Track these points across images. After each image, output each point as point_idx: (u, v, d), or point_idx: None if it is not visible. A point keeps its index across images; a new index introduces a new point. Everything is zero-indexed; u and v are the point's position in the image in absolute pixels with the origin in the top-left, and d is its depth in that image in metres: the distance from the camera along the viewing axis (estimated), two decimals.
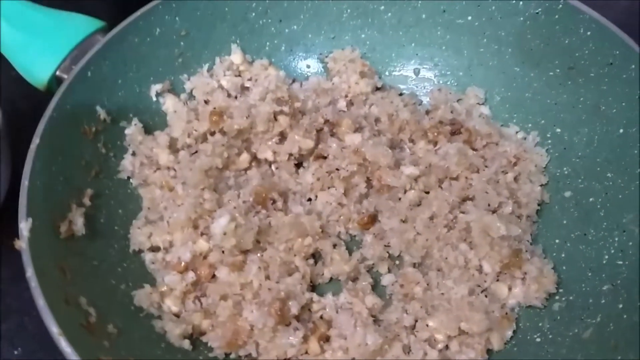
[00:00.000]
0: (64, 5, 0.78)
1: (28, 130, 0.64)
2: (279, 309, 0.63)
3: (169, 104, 0.79)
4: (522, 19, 0.77)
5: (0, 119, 0.68)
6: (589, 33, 0.72)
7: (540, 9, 0.75)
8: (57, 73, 0.73)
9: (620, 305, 0.62)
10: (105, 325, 0.59)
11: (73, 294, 0.58)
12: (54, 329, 0.50)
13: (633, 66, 0.68)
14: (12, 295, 0.73)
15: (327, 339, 0.65)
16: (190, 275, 0.67)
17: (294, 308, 0.64)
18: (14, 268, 0.74)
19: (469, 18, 0.81)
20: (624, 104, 0.70)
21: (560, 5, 0.73)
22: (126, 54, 0.74)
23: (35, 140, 0.62)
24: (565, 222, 0.73)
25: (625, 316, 0.60)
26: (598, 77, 0.72)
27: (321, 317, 0.67)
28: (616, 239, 0.67)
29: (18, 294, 0.73)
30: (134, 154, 0.74)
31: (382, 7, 0.84)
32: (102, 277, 0.64)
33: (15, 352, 0.70)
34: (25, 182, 0.59)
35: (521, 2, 0.76)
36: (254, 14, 0.83)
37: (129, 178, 0.74)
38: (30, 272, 0.53)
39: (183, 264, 0.67)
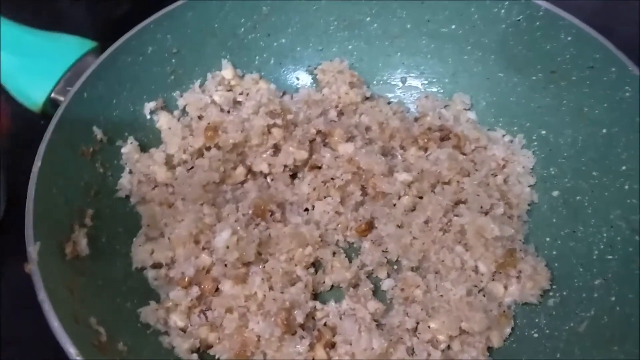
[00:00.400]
0: (53, 27, 0.79)
1: (21, 151, 0.65)
2: (285, 319, 0.65)
3: (163, 121, 0.80)
4: (504, 26, 0.80)
5: None
6: (569, 38, 0.75)
7: (521, 17, 0.78)
8: (52, 95, 0.73)
9: (613, 298, 0.64)
10: (115, 344, 0.60)
11: (82, 314, 0.58)
12: (72, 350, 0.51)
13: (613, 69, 0.71)
14: (15, 314, 0.73)
15: (332, 346, 0.67)
16: (195, 290, 0.68)
17: (299, 317, 0.66)
18: (13, 291, 0.75)
19: (453, 27, 0.83)
20: (605, 105, 0.72)
21: (541, 13, 0.76)
22: (120, 74, 0.75)
23: (37, 164, 0.63)
24: (554, 220, 0.75)
25: (618, 308, 0.63)
26: (580, 80, 0.75)
27: (325, 325, 0.69)
28: (605, 234, 0.69)
29: (19, 322, 0.73)
30: (131, 172, 0.75)
31: (368, 19, 0.86)
32: (108, 296, 0.65)
33: None
34: (30, 206, 0.60)
35: (503, 10, 0.79)
36: (242, 29, 0.84)
37: (127, 196, 0.74)
38: (42, 295, 0.54)
39: (187, 279, 0.68)
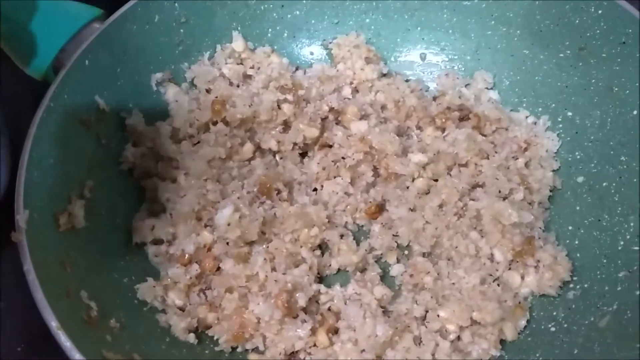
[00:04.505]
0: None
1: (28, 124, 0.62)
2: (285, 301, 0.62)
3: (170, 93, 0.77)
4: None
5: None
6: (600, 11, 0.70)
7: None
8: (55, 63, 0.71)
9: (638, 292, 0.60)
10: (107, 320, 0.57)
11: (74, 287, 0.56)
12: (53, 323, 0.49)
13: None
14: (15, 290, 0.71)
15: (335, 331, 0.64)
16: (195, 268, 0.65)
17: (301, 300, 0.63)
18: (17, 262, 0.73)
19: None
20: (637, 84, 0.67)
21: None
22: (125, 42, 0.72)
23: (32, 130, 0.60)
24: (578, 208, 0.71)
25: None
26: (610, 57, 0.70)
27: (329, 309, 0.66)
28: (632, 224, 0.65)
29: (21, 288, 0.71)
30: (135, 144, 0.73)
31: None
32: (105, 270, 0.63)
33: (19, 349, 0.69)
34: (22, 174, 0.57)
35: None
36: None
37: (130, 170, 0.72)
38: (27, 265, 0.52)
39: (187, 256, 0.66)
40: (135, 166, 0.72)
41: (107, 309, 0.58)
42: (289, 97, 0.76)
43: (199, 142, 0.74)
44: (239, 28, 0.81)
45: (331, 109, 0.78)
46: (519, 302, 0.65)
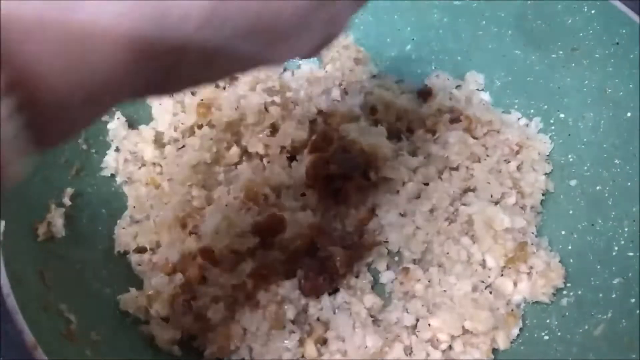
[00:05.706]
0: None
1: None
2: (273, 312, 0.60)
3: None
4: None
5: None
6: (593, 11, 0.68)
7: None
8: None
9: (633, 300, 0.58)
10: (87, 333, 0.55)
11: (52, 300, 0.54)
12: (28, 339, 0.46)
13: None
14: None
15: (324, 342, 0.62)
16: (179, 277, 0.63)
17: (290, 312, 0.61)
18: None
19: None
20: (631, 85, 0.66)
21: None
22: None
23: None
24: (571, 212, 0.69)
25: (638, 311, 0.57)
26: (603, 58, 0.68)
27: (318, 319, 0.64)
28: (626, 229, 0.63)
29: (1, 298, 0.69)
30: (117, 149, 0.71)
31: None
32: (86, 281, 0.61)
33: None
34: None
35: None
36: None
37: (112, 175, 0.70)
38: (2, 279, 0.49)
39: (171, 265, 0.64)
40: (118, 172, 0.70)
41: (87, 321, 0.56)
42: (277, 99, 0.74)
43: (183, 147, 0.72)
44: None
45: (320, 111, 0.76)
46: (512, 310, 0.64)
